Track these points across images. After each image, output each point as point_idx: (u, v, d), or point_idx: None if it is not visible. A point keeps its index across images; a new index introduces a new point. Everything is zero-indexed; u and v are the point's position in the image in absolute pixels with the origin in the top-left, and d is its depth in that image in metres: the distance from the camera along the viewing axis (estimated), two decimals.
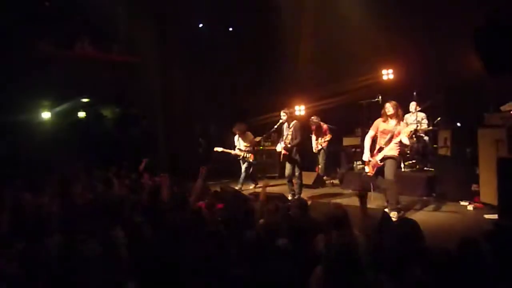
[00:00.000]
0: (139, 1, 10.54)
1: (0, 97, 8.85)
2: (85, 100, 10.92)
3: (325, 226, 3.34)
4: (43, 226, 3.80)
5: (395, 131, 5.70)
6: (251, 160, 8.68)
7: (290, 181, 7.21)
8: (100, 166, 8.51)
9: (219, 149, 8.87)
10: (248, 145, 8.67)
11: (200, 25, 12.39)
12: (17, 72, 9.14)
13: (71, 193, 5.77)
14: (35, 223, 3.89)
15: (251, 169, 8.77)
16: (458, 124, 7.45)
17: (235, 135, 8.81)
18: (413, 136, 7.87)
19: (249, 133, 8.79)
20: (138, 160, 8.28)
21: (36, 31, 9.77)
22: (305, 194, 7.51)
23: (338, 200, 7.08)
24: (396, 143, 5.69)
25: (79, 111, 11.30)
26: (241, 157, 8.71)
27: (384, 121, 5.84)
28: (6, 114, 9.14)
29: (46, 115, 10.49)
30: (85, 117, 11.40)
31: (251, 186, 8.77)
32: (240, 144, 8.75)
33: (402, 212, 5.81)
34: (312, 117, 9.04)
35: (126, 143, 11.04)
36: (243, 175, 8.72)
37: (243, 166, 8.73)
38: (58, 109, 10.61)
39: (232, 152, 8.77)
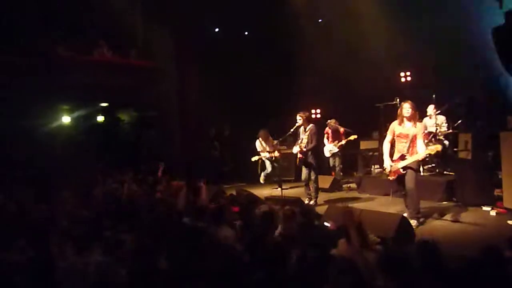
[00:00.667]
0: (155, 7, 10.67)
1: (20, 101, 9.07)
2: (103, 104, 11.10)
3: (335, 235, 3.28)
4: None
5: (412, 134, 5.56)
6: (278, 155, 9.05)
7: (306, 184, 7.17)
8: (118, 170, 8.65)
9: (256, 158, 9.26)
10: (270, 147, 9.14)
11: (216, 30, 12.46)
12: (37, 77, 9.37)
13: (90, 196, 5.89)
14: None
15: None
16: (479, 124, 7.23)
17: (257, 139, 9.17)
18: (432, 139, 7.71)
19: (270, 137, 9.19)
20: (155, 163, 8.38)
21: (56, 37, 10.01)
22: (322, 198, 7.44)
23: (354, 205, 6.98)
24: (420, 159, 5.56)
25: (98, 115, 11.50)
26: (268, 157, 9.10)
27: (400, 124, 5.70)
28: (26, 118, 9.38)
29: (66, 119, 10.71)
30: (104, 121, 11.60)
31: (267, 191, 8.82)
32: (264, 146, 9.13)
33: (422, 219, 5.66)
34: (330, 120, 8.94)
35: (143, 146, 11.19)
36: (271, 172, 9.15)
37: (269, 165, 9.13)
38: (77, 113, 10.82)
39: (264, 156, 9.13)
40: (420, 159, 5.57)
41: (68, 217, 4.57)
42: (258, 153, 9.24)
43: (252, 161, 9.31)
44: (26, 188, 6.62)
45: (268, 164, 9.18)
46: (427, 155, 5.78)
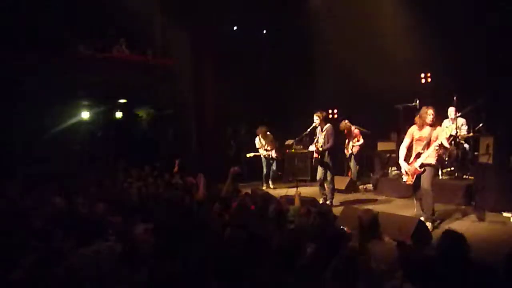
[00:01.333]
0: (173, 6, 10.75)
1: (42, 98, 9.28)
2: (122, 101, 11.27)
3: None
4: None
5: (432, 137, 5.47)
6: (275, 156, 9.27)
7: (321, 185, 7.12)
8: (136, 165, 8.77)
9: (251, 154, 9.48)
10: (268, 144, 9.28)
11: (234, 28, 12.48)
12: (58, 74, 9.58)
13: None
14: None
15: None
16: (502, 127, 7.04)
17: (257, 136, 9.35)
18: (452, 142, 7.55)
19: (269, 134, 9.37)
20: (171, 160, 8.45)
21: (77, 35, 10.21)
22: (337, 199, 7.38)
23: (370, 207, 6.90)
24: (436, 148, 5.44)
25: (117, 111, 11.69)
26: (265, 155, 9.25)
27: (419, 129, 5.61)
28: (48, 114, 9.60)
29: (85, 114, 10.93)
30: (122, 117, 11.78)
31: (264, 186, 9.08)
32: (263, 143, 9.28)
33: (438, 222, 5.56)
34: (343, 121, 8.84)
35: (160, 143, 11.32)
36: (269, 173, 9.28)
37: (265, 165, 9.28)
38: (96, 109, 11.03)
39: (262, 154, 9.30)
40: (438, 145, 5.42)
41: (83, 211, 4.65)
42: (257, 150, 9.41)
43: (248, 157, 9.48)
44: (45, 183, 6.76)
45: (264, 163, 9.29)
46: (446, 142, 5.64)
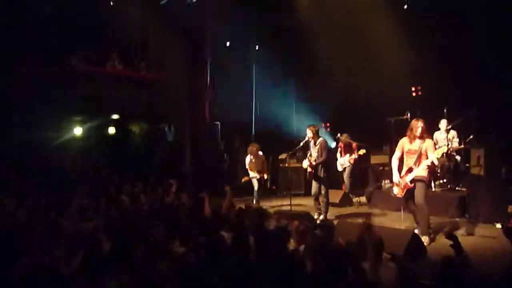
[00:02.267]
0: (167, 21, 10.84)
1: (34, 113, 9.23)
2: (115, 116, 11.24)
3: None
4: None
5: (422, 149, 5.51)
6: (266, 178, 8.74)
7: (316, 199, 7.10)
8: (129, 182, 8.69)
9: (247, 178, 8.83)
10: (258, 165, 8.54)
11: (227, 43, 12.60)
12: (51, 88, 9.56)
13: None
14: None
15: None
16: (492, 139, 7.13)
17: (247, 155, 8.66)
18: (444, 155, 7.61)
19: (261, 154, 8.64)
20: (164, 176, 8.40)
21: (70, 49, 10.23)
22: (332, 212, 7.37)
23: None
24: (428, 164, 5.49)
25: (109, 126, 11.64)
26: (259, 178, 8.57)
27: (409, 141, 5.65)
28: (39, 129, 9.54)
29: (78, 130, 10.86)
30: (115, 133, 11.73)
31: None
32: (254, 165, 8.57)
33: (433, 235, 5.57)
34: (342, 135, 8.87)
35: (154, 158, 11.26)
36: (259, 192, 8.62)
37: (256, 184, 8.56)
38: (89, 124, 10.95)
39: (254, 176, 8.62)
40: (429, 164, 5.48)
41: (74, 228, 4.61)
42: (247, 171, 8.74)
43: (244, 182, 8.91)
44: (38, 197, 6.70)
45: (255, 182, 8.61)
46: (436, 160, 5.66)
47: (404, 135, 5.79)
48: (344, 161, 8.84)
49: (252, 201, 8.63)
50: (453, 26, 8.56)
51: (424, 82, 9.32)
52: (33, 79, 9.40)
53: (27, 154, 9.32)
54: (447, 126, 7.83)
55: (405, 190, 5.61)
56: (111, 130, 11.62)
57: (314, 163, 6.96)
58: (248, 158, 8.63)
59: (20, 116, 9.08)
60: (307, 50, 10.65)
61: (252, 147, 8.57)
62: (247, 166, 8.63)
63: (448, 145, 7.57)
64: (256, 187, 8.59)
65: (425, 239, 5.28)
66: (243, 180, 8.99)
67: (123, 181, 8.41)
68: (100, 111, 10.65)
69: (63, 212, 5.37)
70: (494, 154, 6.77)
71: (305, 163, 7.14)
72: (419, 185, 5.48)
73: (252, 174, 8.57)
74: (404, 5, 9.37)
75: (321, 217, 6.89)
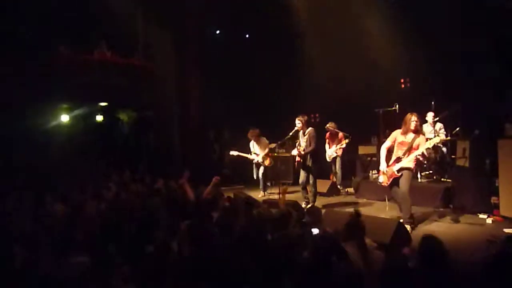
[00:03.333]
0: (156, 8, 10.70)
1: (20, 100, 9.06)
2: (103, 104, 11.10)
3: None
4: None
5: (414, 144, 5.59)
6: (266, 164, 8.81)
7: (304, 188, 7.17)
8: (117, 170, 8.63)
9: (235, 153, 9.07)
10: (263, 149, 8.78)
11: (217, 32, 12.50)
12: (37, 75, 9.38)
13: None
14: None
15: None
16: (477, 132, 7.26)
17: (250, 141, 8.90)
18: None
19: (263, 138, 8.89)
20: (153, 164, 8.35)
21: (57, 36, 10.02)
22: (319, 202, 7.44)
23: (351, 209, 6.97)
24: (418, 156, 5.58)
25: (97, 114, 11.50)
26: (256, 161, 8.83)
27: (403, 134, 5.72)
28: (25, 116, 9.37)
29: (65, 118, 10.71)
30: (103, 121, 11.60)
31: (260, 194, 8.74)
32: (255, 149, 8.89)
33: (414, 225, 5.67)
34: (329, 124, 8.93)
35: (141, 147, 11.19)
36: (261, 181, 8.86)
37: (260, 172, 8.86)
38: (76, 112, 10.81)
39: (249, 156, 8.93)
40: (418, 155, 5.57)
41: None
42: (250, 152, 8.97)
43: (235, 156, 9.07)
44: (24, 189, 6.60)
45: (255, 168, 8.88)
46: (426, 151, 5.76)
47: (392, 126, 5.88)
48: (331, 152, 8.89)
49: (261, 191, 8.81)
50: (442, 18, 8.61)
51: (413, 74, 9.39)
52: (17, 66, 9.22)
53: (13, 142, 9.16)
54: (433, 118, 7.95)
55: (391, 179, 5.69)
56: (99, 117, 11.49)
57: (302, 152, 7.01)
58: (251, 144, 8.88)
59: (6, 105, 8.90)
60: (296, 41, 10.65)
61: (253, 132, 8.78)
62: (256, 151, 8.82)
63: (435, 136, 7.68)
64: (260, 174, 8.80)
65: (406, 228, 5.38)
66: (230, 152, 9.10)
67: (111, 170, 8.37)
68: (87, 99, 10.50)
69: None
70: (479, 146, 6.87)
71: (295, 152, 7.20)
72: (405, 174, 5.57)
73: (254, 157, 8.80)
74: None
75: (309, 206, 6.96)
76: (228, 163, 10.90)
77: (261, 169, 8.85)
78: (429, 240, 2.97)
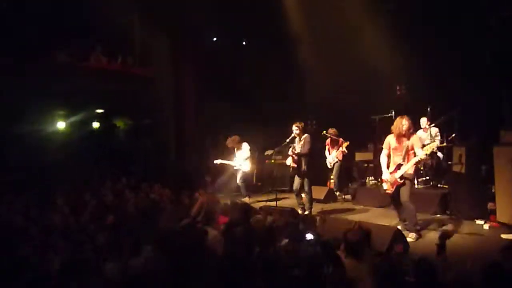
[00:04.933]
0: (153, 15, 10.72)
1: (17, 106, 9.03)
2: (99, 111, 11.06)
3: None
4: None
5: (406, 146, 5.56)
6: (247, 171, 8.70)
7: (298, 195, 7.15)
8: (112, 177, 8.58)
9: (219, 161, 8.91)
10: (245, 155, 8.65)
11: (214, 38, 12.53)
12: (34, 82, 9.34)
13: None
14: None
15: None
16: (473, 138, 7.29)
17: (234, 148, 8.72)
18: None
19: (244, 143, 8.73)
20: (148, 171, 8.29)
21: (54, 43, 10.00)
22: (316, 208, 7.42)
23: (349, 216, 6.97)
24: (417, 162, 5.55)
25: (94, 121, 11.46)
26: (236, 168, 8.68)
27: (395, 138, 5.69)
28: (22, 123, 9.32)
29: (61, 125, 10.65)
30: (99, 127, 11.55)
31: (245, 199, 8.56)
32: (237, 155, 8.71)
33: (421, 232, 5.64)
34: (329, 130, 8.81)
35: (138, 154, 11.13)
36: (242, 186, 8.68)
37: (238, 178, 8.67)
38: (73, 119, 10.75)
39: (231, 163, 8.72)
40: (418, 160, 5.54)
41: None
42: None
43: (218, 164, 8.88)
44: (18, 194, 6.57)
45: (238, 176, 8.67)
46: (425, 156, 5.74)
47: (389, 133, 5.86)
48: (332, 159, 8.82)
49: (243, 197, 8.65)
50: (438, 25, 8.69)
51: (409, 81, 9.44)
52: (14, 71, 9.19)
53: (8, 148, 9.11)
54: (427, 124, 7.98)
55: (394, 186, 5.65)
56: (95, 124, 11.45)
57: (296, 153, 6.95)
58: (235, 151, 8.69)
59: (1, 110, 8.85)
60: (292, 49, 10.70)
61: (233, 139, 8.65)
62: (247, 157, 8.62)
63: (430, 142, 7.71)
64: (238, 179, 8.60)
65: (412, 236, 5.37)
66: (214, 161, 8.90)
67: (106, 176, 8.32)
68: (84, 105, 10.45)
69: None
70: (475, 152, 6.89)
71: (289, 161, 7.17)
72: (406, 183, 5.55)
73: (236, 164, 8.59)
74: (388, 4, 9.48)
75: (306, 213, 6.93)
76: (224, 170, 10.85)
77: (240, 174, 8.64)
78: (424, 264, 2.93)
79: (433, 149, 5.76)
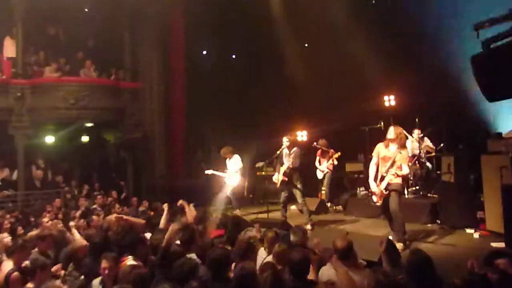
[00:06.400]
0: (143, 29, 10.77)
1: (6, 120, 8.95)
2: (88, 124, 10.97)
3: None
4: None
5: (395, 157, 5.53)
6: (237, 183, 8.58)
7: (284, 207, 7.17)
8: (101, 191, 8.49)
9: (210, 171, 8.78)
10: (237, 166, 8.51)
11: (204, 52, 12.62)
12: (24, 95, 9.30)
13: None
14: None
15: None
16: (461, 147, 7.39)
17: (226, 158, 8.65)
18: (416, 162, 7.83)
19: (236, 155, 8.62)
20: (138, 185, 8.22)
21: (44, 57, 9.97)
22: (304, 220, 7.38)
23: (340, 227, 6.98)
24: (398, 168, 5.55)
25: (83, 135, 11.36)
26: (226, 180, 8.57)
27: (385, 146, 5.72)
28: (11, 137, 9.23)
29: (50, 139, 10.54)
30: (88, 141, 11.45)
31: (236, 212, 8.49)
32: (229, 166, 8.59)
33: (408, 242, 5.67)
34: (319, 141, 8.86)
35: (128, 168, 11.03)
36: (233, 198, 8.57)
37: (228, 190, 8.54)
38: (62, 133, 10.62)
39: (222, 174, 8.63)
40: (401, 174, 5.55)
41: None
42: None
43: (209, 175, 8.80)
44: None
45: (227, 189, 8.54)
46: (409, 168, 5.75)
47: (379, 142, 5.88)
48: (324, 168, 8.84)
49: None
50: (425, 36, 8.88)
51: (397, 92, 9.57)
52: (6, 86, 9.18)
53: None
54: (418, 135, 8.06)
55: (382, 198, 5.64)
56: (85, 138, 11.35)
57: (287, 170, 6.96)
58: (227, 162, 8.60)
59: None
60: (280, 61, 10.81)
61: (226, 149, 8.56)
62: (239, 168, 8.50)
63: (420, 152, 7.83)
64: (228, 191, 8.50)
65: (399, 246, 5.36)
66: (206, 172, 8.86)
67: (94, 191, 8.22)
68: (73, 119, 10.33)
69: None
70: (464, 162, 6.97)
71: (275, 177, 7.20)
72: (393, 194, 5.55)
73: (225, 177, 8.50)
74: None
75: (308, 226, 6.79)
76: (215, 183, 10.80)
77: (229, 187, 8.51)
78: (416, 254, 2.98)
79: (428, 146, 5.73)
